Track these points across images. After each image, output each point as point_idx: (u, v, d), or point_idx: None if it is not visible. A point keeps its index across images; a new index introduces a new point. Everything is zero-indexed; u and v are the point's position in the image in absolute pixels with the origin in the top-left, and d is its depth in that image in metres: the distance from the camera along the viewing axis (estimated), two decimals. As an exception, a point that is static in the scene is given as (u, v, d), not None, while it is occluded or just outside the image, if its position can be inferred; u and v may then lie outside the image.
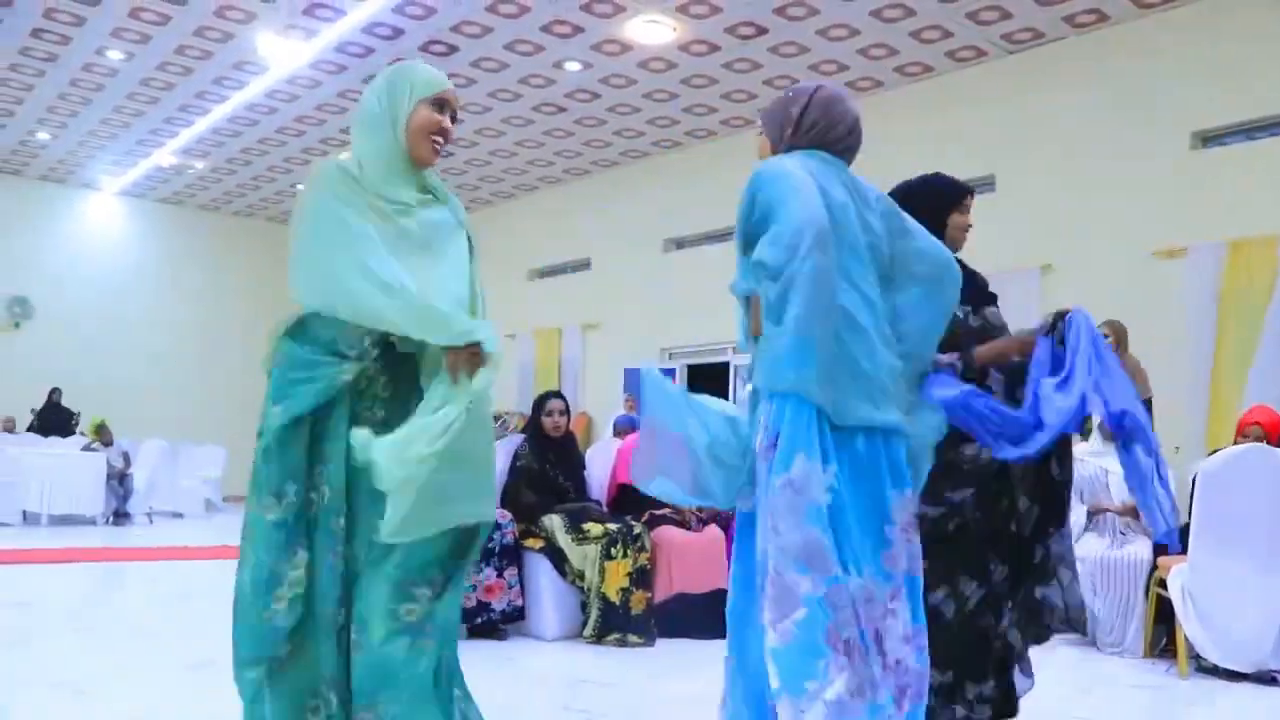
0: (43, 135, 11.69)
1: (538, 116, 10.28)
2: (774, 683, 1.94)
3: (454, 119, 2.36)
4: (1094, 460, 5.13)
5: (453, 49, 8.66)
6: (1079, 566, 4.83)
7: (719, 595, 4.83)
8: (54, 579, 6.35)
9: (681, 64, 8.78)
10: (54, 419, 12.53)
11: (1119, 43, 7.62)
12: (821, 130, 2.27)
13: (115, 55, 9.12)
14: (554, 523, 4.85)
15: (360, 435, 2.04)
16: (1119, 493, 5.02)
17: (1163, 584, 4.52)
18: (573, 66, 8.96)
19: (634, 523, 4.86)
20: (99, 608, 5.51)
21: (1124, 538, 4.97)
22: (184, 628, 4.68)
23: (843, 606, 1.95)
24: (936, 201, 2.78)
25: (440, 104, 2.32)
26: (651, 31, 8.18)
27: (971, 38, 7.97)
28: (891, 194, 2.50)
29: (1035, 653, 5.03)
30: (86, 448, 10.60)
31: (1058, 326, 2.53)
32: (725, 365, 10.63)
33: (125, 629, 4.69)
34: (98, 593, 6.08)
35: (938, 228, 2.62)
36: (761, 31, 8.06)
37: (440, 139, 2.32)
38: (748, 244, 2.18)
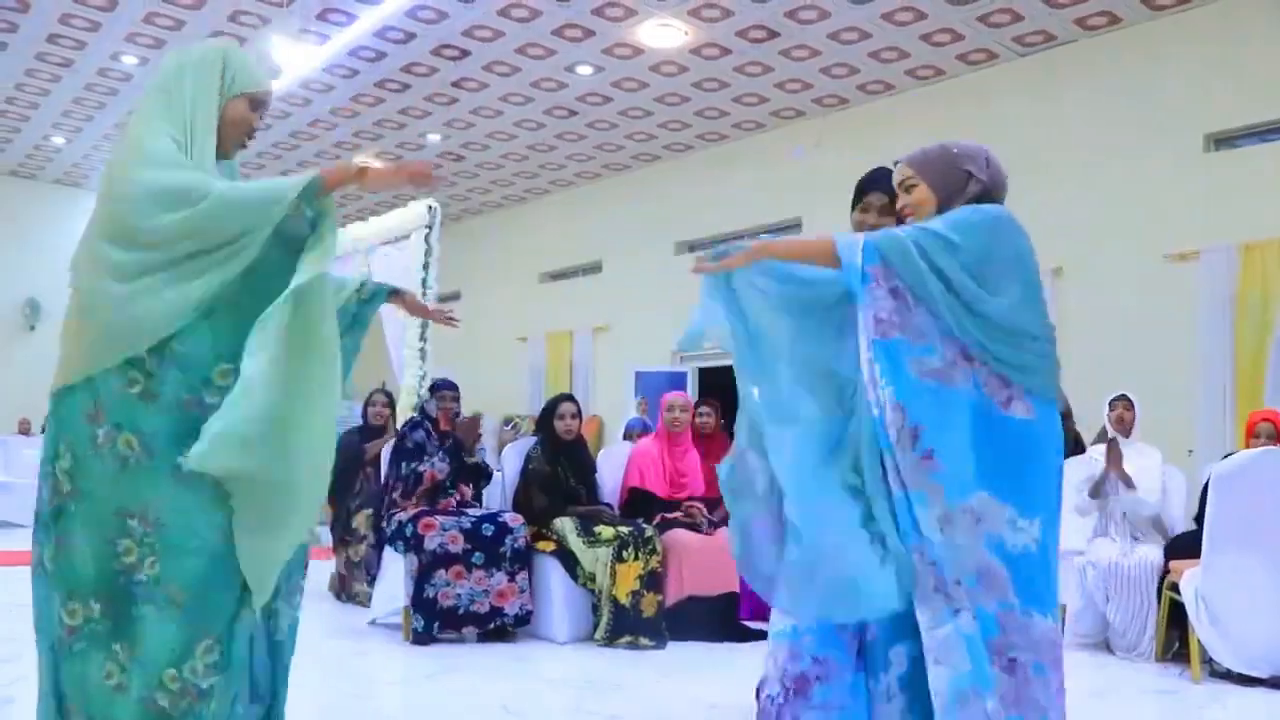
0: (57, 139, 11.76)
1: (549, 120, 10.30)
2: (962, 664, 2.05)
3: (263, 115, 2.33)
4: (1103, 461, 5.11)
5: (465, 53, 8.69)
6: (1091, 572, 4.87)
7: (730, 598, 4.86)
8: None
9: (693, 67, 8.79)
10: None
11: (1130, 45, 7.60)
12: (998, 195, 2.37)
13: (129, 60, 9.17)
14: (565, 525, 4.86)
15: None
16: (1129, 493, 5.00)
17: (1175, 588, 4.51)
18: (584, 70, 8.98)
19: (645, 526, 4.87)
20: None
21: (1135, 542, 4.95)
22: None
23: (1013, 631, 2.08)
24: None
25: (257, 103, 2.27)
26: (663, 35, 8.19)
27: (983, 40, 7.96)
28: None
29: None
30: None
31: None
32: (736, 368, 10.61)
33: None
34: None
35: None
36: (773, 35, 8.07)
37: (247, 138, 2.29)
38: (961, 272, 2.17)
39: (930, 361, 2.14)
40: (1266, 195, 6.81)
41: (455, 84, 9.41)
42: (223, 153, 2.24)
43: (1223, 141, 7.25)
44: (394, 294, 2.70)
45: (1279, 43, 6.89)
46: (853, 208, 2.73)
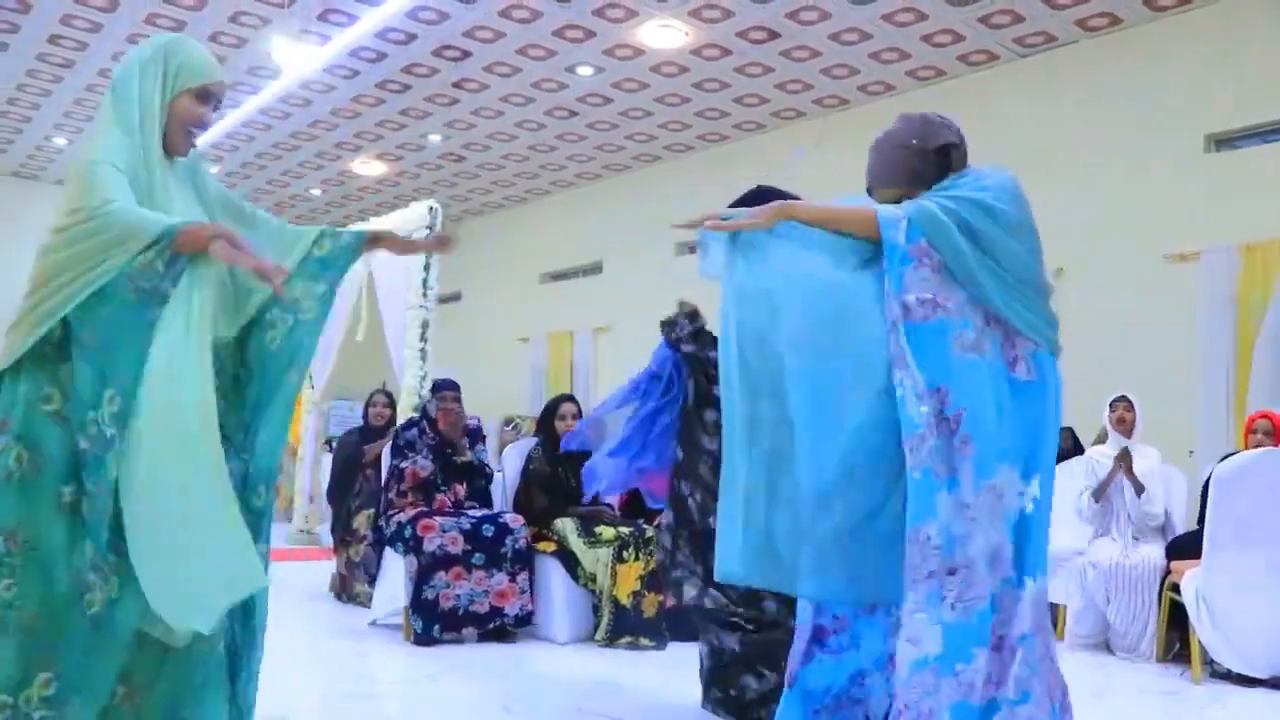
0: (59, 140, 11.76)
1: (550, 121, 10.30)
2: (932, 648, 2.06)
3: (217, 106, 2.27)
4: (1110, 464, 5.11)
5: (465, 54, 8.69)
6: (1091, 572, 4.88)
7: (730, 599, 4.86)
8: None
9: (693, 68, 8.80)
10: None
11: (1131, 46, 7.59)
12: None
13: (131, 61, 9.18)
14: (566, 526, 4.86)
15: None
16: (1131, 495, 5.01)
17: (1175, 589, 4.51)
18: (585, 71, 8.98)
19: (646, 526, 4.87)
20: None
21: (1136, 543, 4.96)
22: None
23: (1008, 607, 2.12)
24: None
25: (205, 95, 2.22)
26: (663, 36, 8.19)
27: (983, 41, 7.96)
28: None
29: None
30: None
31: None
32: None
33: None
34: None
35: None
36: (773, 36, 8.07)
37: (198, 131, 2.24)
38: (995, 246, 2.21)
39: (967, 335, 2.13)
40: (1267, 196, 6.80)
41: (456, 85, 9.41)
42: (174, 149, 2.20)
43: (1223, 142, 7.24)
44: (373, 241, 2.47)
45: (1279, 43, 6.89)
46: None
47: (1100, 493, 5.06)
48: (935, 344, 2.11)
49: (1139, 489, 4.97)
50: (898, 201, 2.30)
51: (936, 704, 2.06)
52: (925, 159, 2.33)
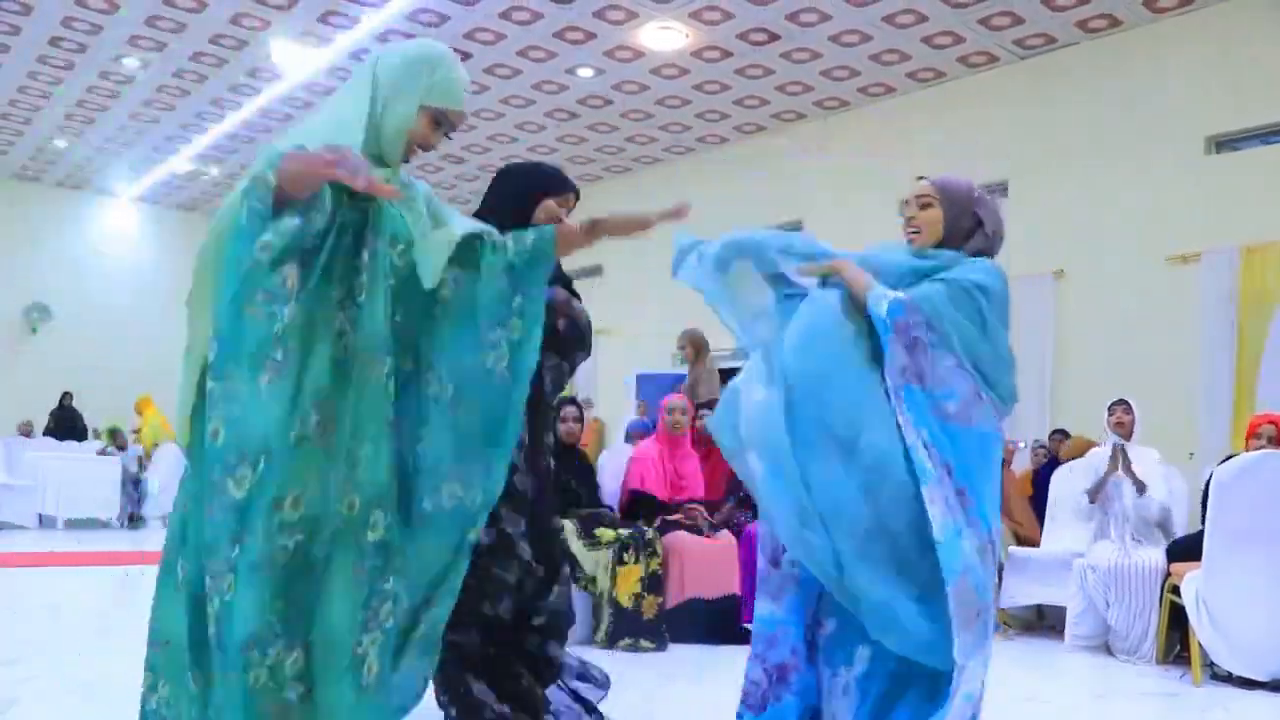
0: (60, 142, 11.78)
1: (550, 123, 10.31)
2: (974, 597, 2.09)
3: (448, 134, 2.15)
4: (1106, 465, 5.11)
5: (466, 55, 8.70)
6: (1091, 575, 4.88)
7: (730, 600, 4.86)
8: (75, 581, 6.38)
9: (694, 70, 8.80)
10: (65, 422, 12.63)
11: (1131, 48, 7.60)
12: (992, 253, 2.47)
13: (132, 63, 9.19)
14: (566, 528, 4.86)
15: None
16: (1131, 497, 5.01)
17: (1176, 591, 4.51)
18: (585, 73, 8.99)
19: (646, 529, 4.87)
20: (120, 610, 5.55)
21: (1136, 545, 4.95)
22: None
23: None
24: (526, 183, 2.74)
25: (439, 120, 2.11)
26: (664, 38, 8.20)
27: (984, 43, 7.96)
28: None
29: (1050, 658, 5.04)
30: (103, 452, 10.70)
31: None
32: (736, 372, 10.59)
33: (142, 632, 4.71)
34: (119, 595, 6.12)
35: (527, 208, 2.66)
36: (774, 37, 8.07)
37: (420, 150, 2.13)
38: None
39: (950, 405, 2.22)
40: (1267, 197, 6.81)
41: (457, 87, 9.42)
42: (389, 161, 2.09)
43: (1224, 144, 7.24)
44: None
45: (1279, 44, 6.89)
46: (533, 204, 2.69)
47: (1095, 492, 5.07)
48: (917, 407, 2.20)
49: (1140, 487, 4.98)
50: (924, 207, 2.42)
51: None
52: (965, 214, 2.41)
